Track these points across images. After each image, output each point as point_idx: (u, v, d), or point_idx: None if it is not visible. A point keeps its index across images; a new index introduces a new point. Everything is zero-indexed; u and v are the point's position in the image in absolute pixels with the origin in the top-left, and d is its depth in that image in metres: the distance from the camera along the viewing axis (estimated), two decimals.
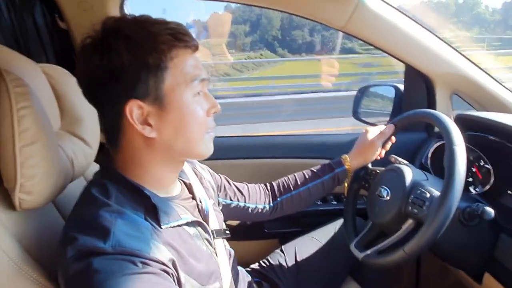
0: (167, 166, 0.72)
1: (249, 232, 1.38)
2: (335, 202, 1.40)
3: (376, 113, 1.58)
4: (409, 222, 0.89)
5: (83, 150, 0.88)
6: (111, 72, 0.62)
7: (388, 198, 0.95)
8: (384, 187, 0.96)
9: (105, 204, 0.63)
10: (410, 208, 0.88)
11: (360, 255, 0.96)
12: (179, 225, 0.71)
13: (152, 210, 0.66)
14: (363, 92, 1.55)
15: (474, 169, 1.12)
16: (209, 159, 1.22)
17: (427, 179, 0.93)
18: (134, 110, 0.64)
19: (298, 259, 1.16)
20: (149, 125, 0.66)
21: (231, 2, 1.06)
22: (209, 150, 0.75)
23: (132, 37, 0.62)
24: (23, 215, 0.71)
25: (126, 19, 0.66)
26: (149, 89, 0.64)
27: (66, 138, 0.86)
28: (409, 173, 0.93)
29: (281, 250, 1.19)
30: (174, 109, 0.66)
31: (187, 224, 0.73)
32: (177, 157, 0.73)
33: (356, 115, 1.54)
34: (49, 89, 0.86)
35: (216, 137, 1.43)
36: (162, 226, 0.66)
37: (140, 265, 0.57)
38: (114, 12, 1.09)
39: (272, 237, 1.41)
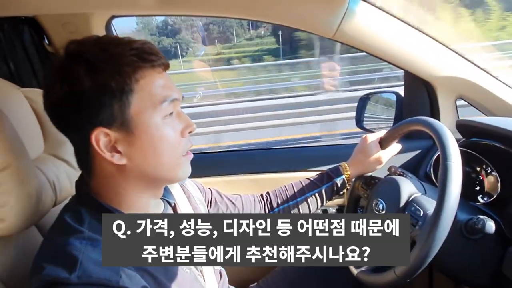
0: (143, 192, 0.69)
1: None
2: None
3: (380, 121, 1.53)
4: None
5: (67, 173, 0.88)
6: (72, 99, 0.60)
7: (383, 212, 0.89)
8: (380, 200, 0.91)
9: (76, 231, 0.61)
10: None
11: (355, 271, 0.91)
12: None
13: None
14: (365, 100, 1.51)
15: (481, 177, 1.06)
16: (203, 175, 1.23)
17: (425, 192, 0.88)
18: (101, 138, 0.61)
19: (299, 277, 1.11)
20: (118, 152, 0.63)
21: (215, 16, 1.04)
22: (185, 173, 0.71)
23: (92, 60, 0.60)
24: (1, 241, 0.70)
25: (89, 42, 0.63)
26: (115, 114, 0.61)
27: (48, 162, 0.85)
28: (404, 186, 0.88)
29: (282, 268, 1.15)
30: (143, 133, 0.63)
31: None
32: (152, 183, 0.69)
33: (359, 124, 1.50)
34: (31, 113, 0.86)
35: (209, 152, 1.42)
36: None
37: None
38: (100, 32, 1.09)
39: None
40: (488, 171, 1.03)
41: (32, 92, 0.88)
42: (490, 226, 0.78)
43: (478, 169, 1.05)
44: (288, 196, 1.05)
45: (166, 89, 0.65)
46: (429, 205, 0.81)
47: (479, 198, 1.03)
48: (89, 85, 0.59)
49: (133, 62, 0.61)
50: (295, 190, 1.05)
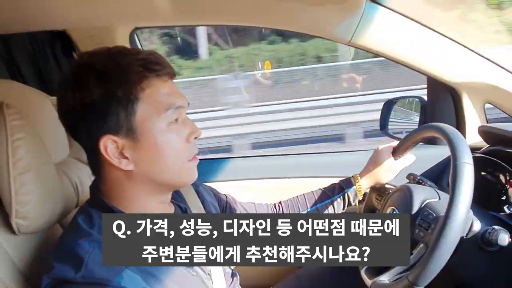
0: (152, 196, 0.72)
1: None
2: None
3: (404, 127, 1.49)
4: (420, 246, 0.81)
5: (90, 176, 0.92)
6: (83, 108, 0.63)
7: None
8: (393, 208, 0.89)
9: (86, 233, 0.64)
10: (417, 231, 0.80)
11: (369, 281, 0.89)
12: None
13: None
14: (389, 105, 1.48)
15: (507, 186, 1.00)
16: (219, 180, 1.25)
17: (439, 199, 0.85)
18: (109, 145, 0.64)
19: (315, 284, 1.10)
20: (126, 157, 0.66)
21: (231, 25, 1.07)
22: (191, 178, 0.73)
23: (102, 71, 0.63)
24: (26, 238, 0.76)
25: (100, 53, 0.67)
26: (121, 122, 0.64)
27: (72, 165, 0.91)
28: (417, 192, 0.86)
29: (296, 275, 1.15)
30: (148, 140, 0.66)
31: None
32: (159, 188, 0.72)
33: (384, 129, 1.47)
34: (58, 120, 0.92)
35: (226, 158, 1.44)
36: None
37: None
38: (124, 43, 1.15)
39: None
40: None
41: None
42: (504, 238, 0.74)
43: (502, 178, 1.00)
44: (300, 206, 1.05)
45: (171, 97, 0.67)
46: (442, 208, 0.79)
47: (505, 208, 0.98)
48: (98, 94, 0.62)
49: (139, 72, 0.64)
50: (307, 201, 1.05)
